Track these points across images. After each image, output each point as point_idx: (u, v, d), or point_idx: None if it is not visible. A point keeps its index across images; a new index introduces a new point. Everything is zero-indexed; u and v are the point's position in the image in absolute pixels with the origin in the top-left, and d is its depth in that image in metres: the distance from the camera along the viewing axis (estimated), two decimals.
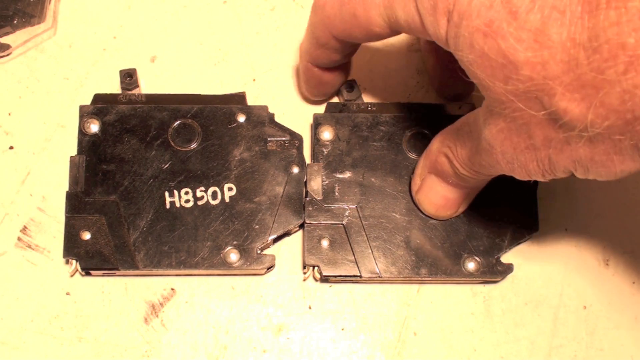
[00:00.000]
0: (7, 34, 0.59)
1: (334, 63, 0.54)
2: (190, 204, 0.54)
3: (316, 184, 0.55)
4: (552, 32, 0.36)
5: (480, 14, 0.38)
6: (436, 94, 0.60)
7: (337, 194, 0.55)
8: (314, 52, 0.53)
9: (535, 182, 0.55)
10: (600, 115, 0.36)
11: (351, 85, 0.58)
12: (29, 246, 0.55)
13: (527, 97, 0.38)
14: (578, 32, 0.35)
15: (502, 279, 0.55)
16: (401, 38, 0.62)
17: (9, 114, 0.58)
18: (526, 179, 0.43)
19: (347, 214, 0.55)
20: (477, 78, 0.40)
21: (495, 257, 0.54)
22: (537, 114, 0.38)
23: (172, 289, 0.55)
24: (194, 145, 0.55)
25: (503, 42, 0.37)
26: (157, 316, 0.54)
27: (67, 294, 0.55)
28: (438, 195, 0.53)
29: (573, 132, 0.37)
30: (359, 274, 0.54)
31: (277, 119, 0.57)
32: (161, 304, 0.55)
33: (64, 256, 0.53)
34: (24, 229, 0.56)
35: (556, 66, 0.36)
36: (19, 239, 0.56)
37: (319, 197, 0.55)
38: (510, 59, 0.37)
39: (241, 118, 0.56)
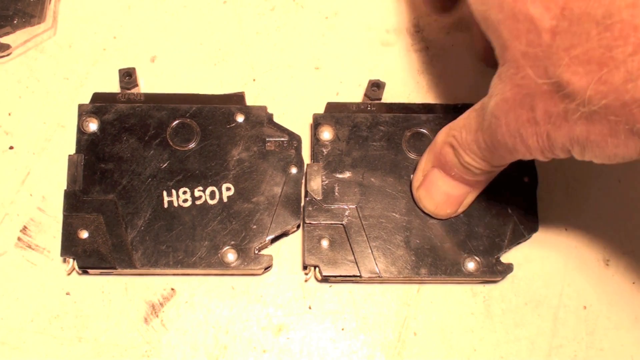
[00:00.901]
0: (7, 34, 0.59)
1: None
2: (188, 203, 0.54)
3: (316, 184, 0.55)
4: (575, 5, 0.37)
5: None
6: (482, 62, 0.60)
7: (336, 194, 0.55)
8: None
9: (535, 182, 0.55)
10: (600, 92, 0.37)
11: (378, 85, 0.58)
12: (29, 246, 0.56)
13: (537, 65, 0.39)
14: (595, 7, 0.36)
15: (502, 279, 0.55)
16: (401, 39, 0.61)
17: (9, 114, 0.58)
18: (527, 156, 0.44)
19: (346, 214, 0.55)
20: (500, 38, 0.41)
21: (495, 257, 0.54)
22: (541, 83, 0.39)
23: (172, 289, 0.55)
24: (192, 145, 0.55)
25: (532, 7, 0.39)
26: (157, 316, 0.54)
27: (67, 294, 0.55)
28: (440, 192, 0.52)
29: (571, 105, 0.38)
30: (359, 274, 0.54)
31: (276, 119, 0.57)
32: (161, 304, 0.55)
33: (62, 254, 0.53)
34: (24, 229, 0.56)
35: (571, 38, 0.37)
36: (19, 239, 0.56)
37: (319, 197, 0.55)
38: (536, 24, 0.39)
39: (240, 118, 0.56)
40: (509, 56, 0.41)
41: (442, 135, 0.51)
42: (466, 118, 0.48)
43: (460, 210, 0.54)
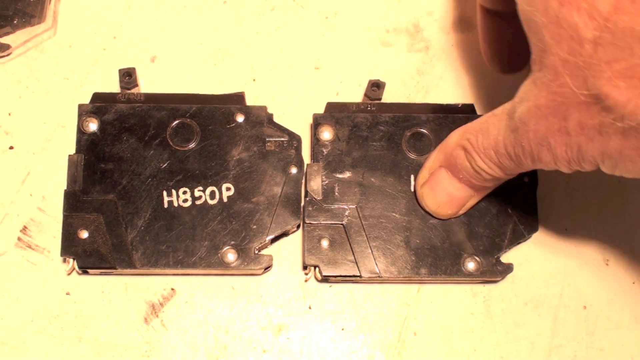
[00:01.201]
0: (7, 34, 0.59)
1: (492, 2, 0.54)
2: (188, 203, 0.54)
3: (316, 184, 0.55)
4: (619, 19, 0.37)
5: None
6: (490, 66, 0.59)
7: (336, 194, 0.55)
8: None
9: (535, 182, 0.55)
10: None
11: (378, 85, 0.58)
12: (29, 246, 0.56)
13: (576, 74, 0.39)
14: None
15: (502, 279, 0.55)
16: (401, 39, 0.61)
17: (9, 114, 0.58)
18: (550, 166, 0.44)
19: (346, 214, 0.55)
20: (542, 42, 0.40)
21: (495, 257, 0.54)
22: (579, 93, 0.39)
23: (172, 289, 0.55)
24: (192, 145, 0.55)
25: (577, 15, 0.38)
26: (157, 316, 0.54)
27: (67, 294, 0.55)
28: (444, 192, 0.52)
29: (608, 119, 0.38)
30: (358, 274, 0.54)
31: (276, 119, 0.57)
32: (161, 304, 0.55)
33: (62, 254, 0.53)
34: (24, 229, 0.56)
35: (614, 51, 0.37)
36: (19, 239, 0.56)
37: (319, 197, 0.55)
38: (579, 33, 0.38)
39: (240, 118, 0.56)
40: (547, 62, 0.40)
41: (456, 136, 0.51)
42: (484, 122, 0.48)
43: (461, 212, 0.54)
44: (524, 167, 0.46)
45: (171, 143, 0.55)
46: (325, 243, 0.54)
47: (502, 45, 0.56)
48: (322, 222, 0.54)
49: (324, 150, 0.56)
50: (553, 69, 0.40)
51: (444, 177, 0.52)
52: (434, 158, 0.53)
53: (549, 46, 0.40)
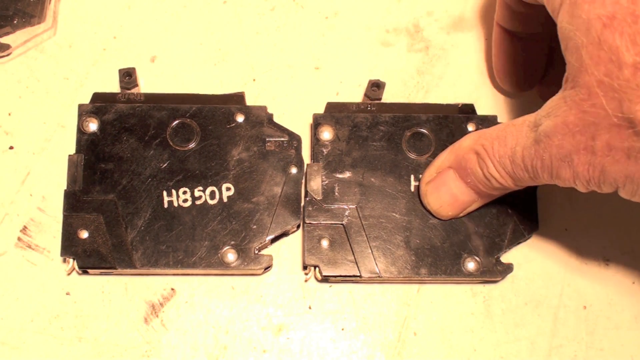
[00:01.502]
0: (7, 34, 0.59)
1: (513, 23, 0.55)
2: (188, 203, 0.54)
3: (316, 184, 0.55)
4: None
5: (605, 4, 0.39)
6: (501, 84, 0.60)
7: (336, 194, 0.55)
8: (497, 2, 0.55)
9: None
10: None
11: (378, 85, 0.58)
12: (29, 246, 0.56)
13: (611, 96, 0.39)
14: None
15: (502, 279, 0.55)
16: (401, 39, 0.61)
17: (9, 114, 0.58)
18: (567, 183, 0.44)
19: (347, 214, 0.55)
20: (578, 61, 0.41)
21: (495, 257, 0.54)
22: (612, 115, 0.39)
23: (172, 289, 0.55)
24: (192, 145, 0.55)
25: (619, 39, 0.38)
26: (157, 316, 0.54)
27: (67, 294, 0.55)
28: (448, 192, 0.52)
29: (638, 144, 0.39)
30: (359, 274, 0.54)
31: (276, 119, 0.57)
32: (161, 304, 0.55)
33: (62, 254, 0.53)
34: (24, 229, 0.56)
35: None
36: (19, 239, 0.56)
37: (319, 197, 0.55)
38: (619, 56, 0.38)
39: (240, 118, 0.56)
40: (582, 81, 0.40)
41: (470, 140, 0.50)
42: (502, 130, 0.48)
43: (461, 215, 0.54)
44: (538, 181, 0.46)
45: (171, 143, 0.55)
46: (325, 243, 0.54)
47: (516, 65, 0.57)
48: (322, 222, 0.54)
49: (324, 150, 0.56)
50: (587, 89, 0.40)
51: (451, 178, 0.52)
52: (444, 158, 0.53)
53: (586, 66, 0.40)
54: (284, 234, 0.55)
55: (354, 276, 0.54)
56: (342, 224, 0.54)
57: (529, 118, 0.45)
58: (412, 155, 0.56)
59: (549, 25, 0.54)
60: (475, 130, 0.56)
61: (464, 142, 0.51)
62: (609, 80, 0.39)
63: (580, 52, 0.40)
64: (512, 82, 0.58)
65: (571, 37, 0.41)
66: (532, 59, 0.56)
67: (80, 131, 0.55)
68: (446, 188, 0.52)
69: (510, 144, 0.46)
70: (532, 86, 0.58)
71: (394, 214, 0.55)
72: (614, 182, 0.41)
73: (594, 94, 0.40)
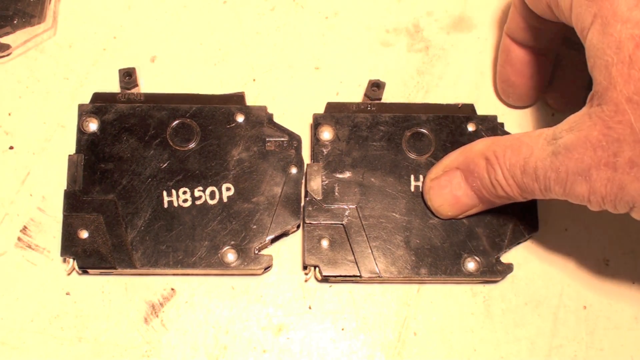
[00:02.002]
0: (7, 34, 0.59)
1: (524, 36, 0.55)
2: (188, 203, 0.54)
3: (316, 184, 0.55)
4: None
5: (638, 24, 0.40)
6: (503, 96, 0.60)
7: (336, 194, 0.55)
8: (510, 14, 0.55)
9: None
10: None
11: (378, 85, 0.58)
12: (29, 246, 0.56)
13: None
14: None
15: (502, 279, 0.55)
16: (401, 39, 0.61)
17: (9, 114, 0.58)
18: (579, 199, 0.44)
19: (347, 214, 0.55)
20: (607, 78, 0.41)
21: (495, 257, 0.54)
22: (639, 132, 0.39)
23: (172, 289, 0.55)
24: (192, 145, 0.55)
25: None
26: (157, 316, 0.54)
27: (67, 294, 0.55)
28: (451, 192, 0.52)
29: None
30: (359, 274, 0.54)
31: (276, 119, 0.57)
32: (161, 304, 0.55)
33: (62, 254, 0.53)
34: (24, 229, 0.56)
35: None
36: (19, 239, 0.56)
37: (319, 197, 0.55)
38: None
39: (240, 118, 0.56)
40: (610, 98, 0.41)
41: (481, 145, 0.50)
42: (515, 139, 0.48)
43: (460, 216, 0.54)
44: (547, 194, 0.46)
45: (171, 143, 0.55)
46: (325, 243, 0.54)
47: (521, 77, 0.57)
48: (322, 222, 0.54)
49: (324, 150, 0.56)
50: (615, 105, 0.40)
51: (457, 178, 0.52)
52: (454, 158, 0.53)
53: (615, 83, 0.40)
54: (284, 234, 0.55)
55: (354, 276, 0.54)
56: (342, 224, 0.54)
57: (547, 131, 0.45)
58: (412, 155, 0.56)
59: (557, 40, 0.54)
60: (475, 130, 0.56)
61: (476, 146, 0.51)
62: (638, 99, 0.39)
63: (610, 70, 0.41)
64: (515, 95, 0.58)
65: (600, 56, 0.41)
66: (537, 72, 0.56)
67: (80, 131, 0.55)
68: (450, 188, 0.52)
69: (523, 154, 0.46)
70: (534, 102, 0.59)
71: (394, 214, 0.55)
72: (631, 201, 0.41)
73: (622, 111, 0.40)
